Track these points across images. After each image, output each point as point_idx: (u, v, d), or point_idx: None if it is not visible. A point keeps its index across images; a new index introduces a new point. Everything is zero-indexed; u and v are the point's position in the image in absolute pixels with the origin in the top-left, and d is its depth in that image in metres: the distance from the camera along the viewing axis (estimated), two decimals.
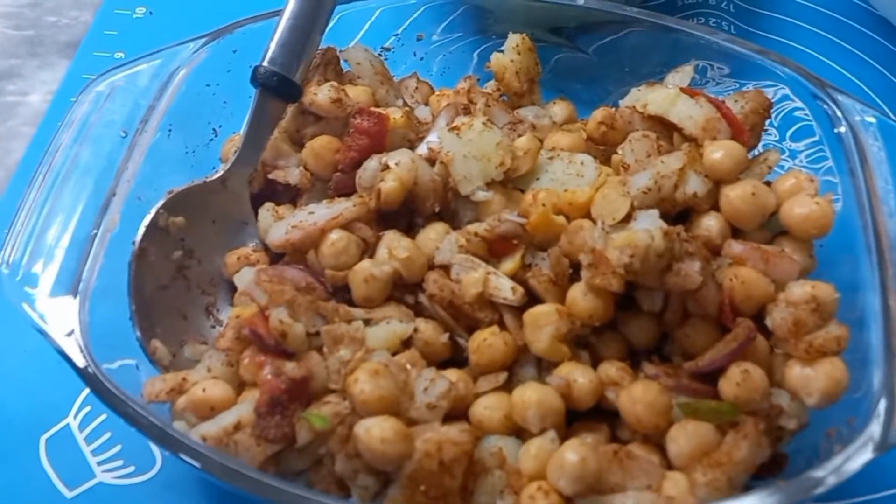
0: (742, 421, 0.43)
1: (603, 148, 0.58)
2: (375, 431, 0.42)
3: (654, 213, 0.49)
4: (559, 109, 0.62)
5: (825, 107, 0.55)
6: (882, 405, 0.42)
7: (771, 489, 0.40)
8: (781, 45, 0.77)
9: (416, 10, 0.68)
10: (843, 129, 0.53)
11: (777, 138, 0.61)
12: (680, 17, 0.79)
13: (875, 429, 0.41)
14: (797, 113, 0.58)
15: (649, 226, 0.48)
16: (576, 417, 0.47)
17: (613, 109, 0.58)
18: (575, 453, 0.41)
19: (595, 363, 0.48)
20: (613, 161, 0.55)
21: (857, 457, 0.40)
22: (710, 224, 0.52)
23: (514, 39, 0.60)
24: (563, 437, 0.45)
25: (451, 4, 0.68)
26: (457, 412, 0.46)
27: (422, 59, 0.66)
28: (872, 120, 0.53)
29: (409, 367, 0.46)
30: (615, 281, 0.46)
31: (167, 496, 0.52)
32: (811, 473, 0.40)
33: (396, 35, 0.66)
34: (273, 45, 0.56)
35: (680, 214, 0.53)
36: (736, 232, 0.52)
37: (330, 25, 0.59)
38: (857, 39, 0.77)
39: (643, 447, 0.45)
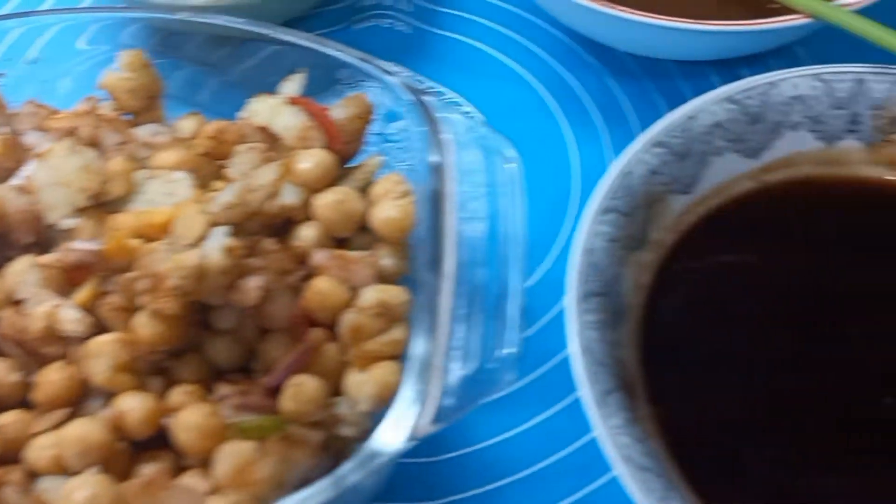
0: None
1: (219, 163, 0.57)
2: None
3: (223, 230, 0.48)
4: (189, 124, 0.60)
5: (418, 109, 0.55)
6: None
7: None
8: (458, 43, 0.78)
9: (50, 28, 0.65)
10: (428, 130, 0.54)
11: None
12: (357, 19, 0.79)
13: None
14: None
15: (216, 243, 0.47)
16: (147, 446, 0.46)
17: (230, 122, 0.57)
18: (83, 490, 0.40)
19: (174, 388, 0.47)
20: (224, 176, 0.55)
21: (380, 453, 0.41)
22: (306, 234, 0.52)
23: (125, 56, 0.59)
24: (125, 469, 0.44)
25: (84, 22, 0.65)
26: (12, 456, 0.44)
27: (45, 81, 0.63)
28: (459, 117, 0.54)
29: None
30: (172, 304, 0.45)
31: None
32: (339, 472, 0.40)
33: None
34: None
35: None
36: (343, 239, 0.53)
37: None
38: (527, 30, 0.78)
39: (204, 472, 0.44)
